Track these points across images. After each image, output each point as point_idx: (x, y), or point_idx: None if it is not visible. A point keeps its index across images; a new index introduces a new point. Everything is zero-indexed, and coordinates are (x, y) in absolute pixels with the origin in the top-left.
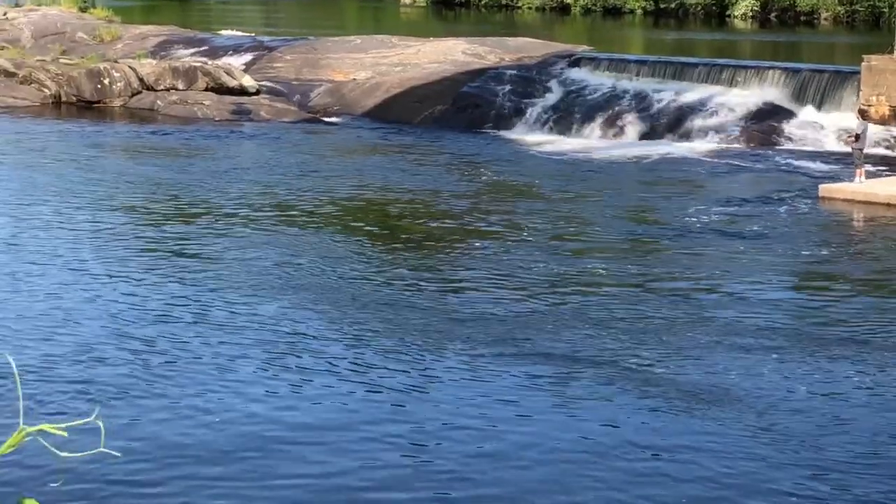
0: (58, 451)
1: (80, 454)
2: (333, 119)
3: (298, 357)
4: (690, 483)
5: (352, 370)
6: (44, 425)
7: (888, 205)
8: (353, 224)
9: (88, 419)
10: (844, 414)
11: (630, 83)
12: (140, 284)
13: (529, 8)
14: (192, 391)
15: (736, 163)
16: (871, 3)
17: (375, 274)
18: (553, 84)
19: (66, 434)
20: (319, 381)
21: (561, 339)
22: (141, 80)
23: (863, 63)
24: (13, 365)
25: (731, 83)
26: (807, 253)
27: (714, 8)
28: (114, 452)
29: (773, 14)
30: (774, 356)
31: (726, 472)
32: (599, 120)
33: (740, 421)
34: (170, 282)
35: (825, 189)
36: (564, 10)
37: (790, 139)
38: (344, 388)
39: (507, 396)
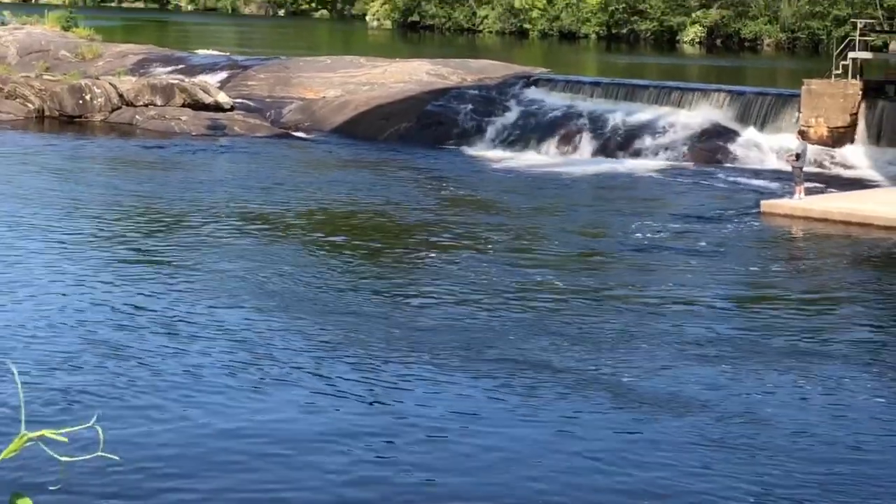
0: (58, 456)
1: (79, 458)
2: (304, 135)
3: (266, 364)
4: (635, 476)
5: (316, 377)
6: (45, 431)
7: (825, 220)
8: (321, 235)
9: (88, 424)
10: (783, 416)
11: (584, 103)
12: (116, 292)
13: (490, 32)
14: (160, 397)
15: (683, 180)
16: (811, 30)
17: (342, 283)
18: (512, 103)
19: (66, 440)
20: (284, 388)
21: (518, 348)
22: (121, 96)
23: (803, 87)
24: (15, 373)
25: (680, 104)
26: (749, 265)
27: (664, 34)
28: (112, 456)
29: (719, 40)
30: (718, 362)
31: (672, 465)
32: (555, 137)
33: (684, 420)
34: (145, 290)
35: (767, 205)
36: (523, 34)
37: (734, 158)
38: (308, 395)
39: (464, 401)
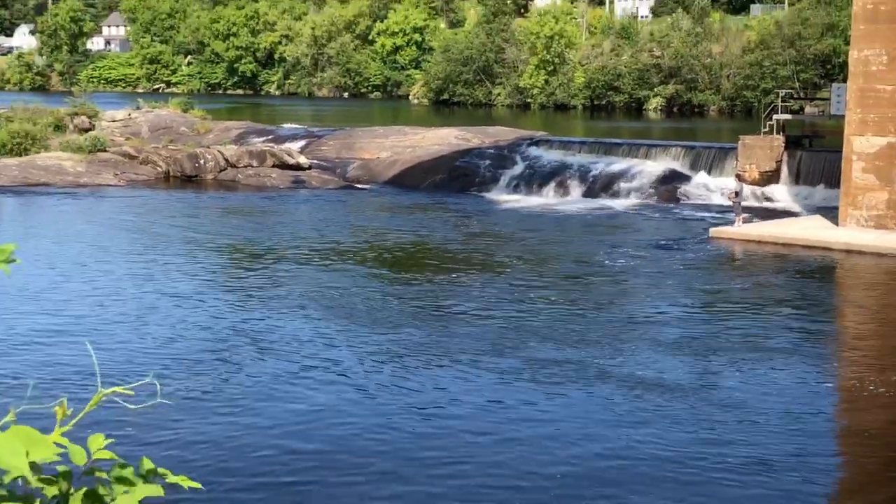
0: (127, 405)
1: (141, 406)
2: (364, 186)
3: (330, 361)
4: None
5: (370, 371)
6: (115, 388)
7: (759, 242)
8: (375, 261)
9: (147, 380)
10: (734, 394)
11: (574, 158)
12: (221, 305)
13: (502, 105)
14: (254, 393)
15: (650, 214)
16: (745, 99)
17: (391, 298)
18: (519, 159)
19: (132, 393)
20: (345, 380)
21: (530, 348)
22: (226, 159)
23: (739, 141)
24: (90, 348)
25: (646, 157)
26: (703, 279)
27: (633, 104)
28: (167, 402)
29: (675, 108)
30: (685, 356)
31: (651, 428)
32: (552, 184)
33: (661, 397)
34: (244, 304)
35: (714, 231)
36: (526, 106)
37: (688, 196)
38: (364, 385)
39: (489, 389)
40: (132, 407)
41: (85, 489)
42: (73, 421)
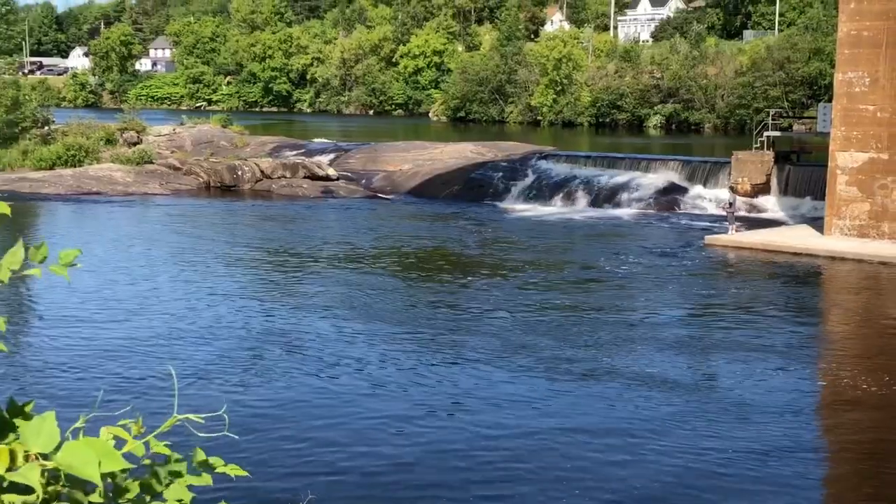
0: (197, 432)
1: (211, 435)
2: (387, 196)
3: (353, 357)
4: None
5: (390, 365)
6: (189, 415)
7: (751, 248)
8: (397, 264)
9: (219, 412)
10: (730, 388)
11: (580, 170)
12: (255, 305)
13: (514, 122)
14: (291, 383)
15: (650, 222)
16: (739, 117)
17: (411, 299)
18: (529, 171)
19: (202, 421)
20: (367, 373)
21: (539, 346)
22: (262, 171)
23: (733, 156)
24: (174, 373)
25: (647, 170)
26: (699, 283)
27: (635, 121)
28: (234, 436)
29: (673, 125)
30: (683, 353)
31: (654, 418)
32: (560, 194)
33: (661, 391)
34: (278, 303)
35: (709, 239)
36: (536, 123)
37: (685, 206)
38: (384, 378)
39: (501, 383)
40: (201, 435)
41: (140, 479)
42: (145, 439)
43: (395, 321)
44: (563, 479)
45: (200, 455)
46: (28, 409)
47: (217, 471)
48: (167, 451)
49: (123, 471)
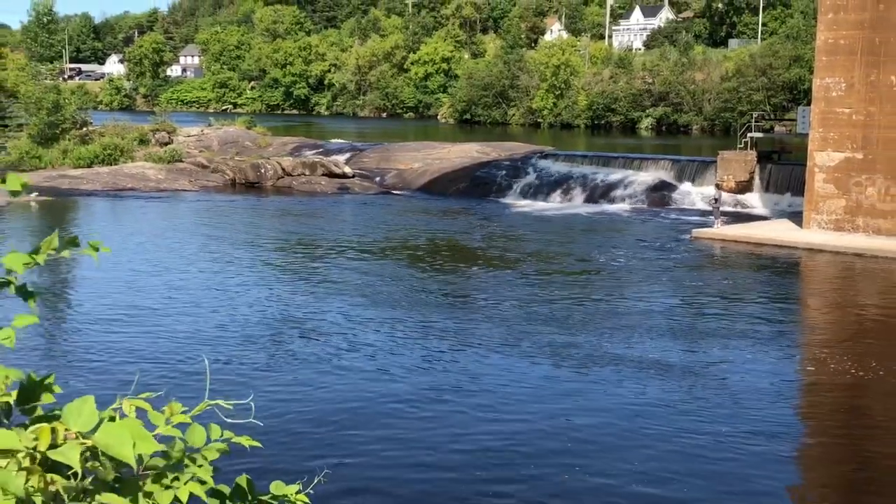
0: (224, 418)
1: (239, 420)
2: (399, 192)
3: (368, 341)
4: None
5: (400, 348)
6: (218, 401)
7: (735, 241)
8: (408, 255)
9: (247, 400)
10: (717, 370)
11: (577, 168)
12: (280, 292)
13: (516, 124)
14: (310, 366)
15: (642, 217)
16: (724, 119)
17: (421, 287)
18: (530, 170)
19: (230, 407)
20: (379, 356)
21: (540, 332)
22: (283, 169)
23: (718, 156)
24: (206, 362)
25: (639, 168)
26: (688, 273)
27: (628, 123)
28: (258, 422)
29: (664, 127)
30: (674, 339)
31: (648, 398)
32: (558, 191)
33: (654, 373)
34: (298, 290)
35: (696, 232)
36: (537, 125)
37: (674, 202)
38: (393, 361)
39: (503, 367)
40: (228, 420)
41: (163, 447)
42: (176, 421)
43: (407, 308)
44: (560, 453)
45: (215, 428)
46: (49, 381)
47: (232, 441)
48: (188, 420)
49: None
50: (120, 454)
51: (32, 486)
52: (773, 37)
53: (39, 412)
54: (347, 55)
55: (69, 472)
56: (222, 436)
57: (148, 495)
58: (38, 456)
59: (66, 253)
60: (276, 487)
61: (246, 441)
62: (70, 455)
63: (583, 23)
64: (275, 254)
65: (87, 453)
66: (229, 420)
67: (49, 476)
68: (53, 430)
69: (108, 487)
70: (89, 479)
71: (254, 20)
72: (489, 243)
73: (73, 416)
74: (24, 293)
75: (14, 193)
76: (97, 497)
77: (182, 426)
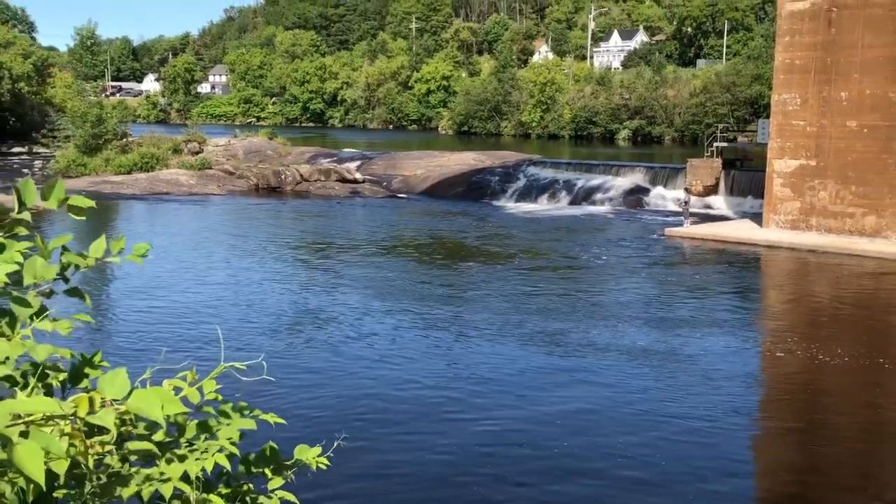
0: (241, 377)
1: (253, 378)
2: (404, 195)
3: (375, 330)
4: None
5: (403, 336)
6: (234, 363)
7: (702, 239)
8: (412, 252)
9: (258, 360)
10: (689, 355)
11: (562, 174)
12: (297, 285)
13: (508, 135)
14: (324, 354)
15: (620, 218)
16: (693, 130)
17: (423, 281)
18: (520, 175)
19: (245, 367)
20: (384, 342)
21: (531, 322)
22: (301, 175)
23: (687, 163)
24: (220, 333)
25: (617, 174)
26: (660, 267)
27: (607, 134)
28: (271, 378)
29: (639, 137)
30: (650, 328)
31: (622, 382)
32: (546, 194)
33: (631, 356)
34: (313, 283)
35: (668, 231)
36: (526, 136)
37: (648, 205)
38: (397, 348)
39: (499, 353)
40: (245, 379)
41: (198, 421)
42: (199, 384)
43: (410, 299)
44: (546, 428)
45: (243, 404)
46: (96, 359)
47: (260, 418)
48: (219, 397)
49: (184, 414)
50: (150, 415)
51: (74, 448)
52: (736, 57)
53: (87, 384)
54: (358, 74)
55: (108, 436)
56: (250, 410)
57: (182, 459)
58: (79, 422)
59: (115, 259)
60: (300, 451)
61: (271, 418)
62: (106, 419)
63: (567, 45)
64: (293, 250)
65: (121, 417)
66: (246, 378)
67: (88, 440)
68: (91, 399)
69: (140, 442)
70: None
71: (275, 43)
72: (484, 241)
73: (107, 385)
74: (76, 293)
75: (77, 212)
76: (130, 446)
77: (214, 403)
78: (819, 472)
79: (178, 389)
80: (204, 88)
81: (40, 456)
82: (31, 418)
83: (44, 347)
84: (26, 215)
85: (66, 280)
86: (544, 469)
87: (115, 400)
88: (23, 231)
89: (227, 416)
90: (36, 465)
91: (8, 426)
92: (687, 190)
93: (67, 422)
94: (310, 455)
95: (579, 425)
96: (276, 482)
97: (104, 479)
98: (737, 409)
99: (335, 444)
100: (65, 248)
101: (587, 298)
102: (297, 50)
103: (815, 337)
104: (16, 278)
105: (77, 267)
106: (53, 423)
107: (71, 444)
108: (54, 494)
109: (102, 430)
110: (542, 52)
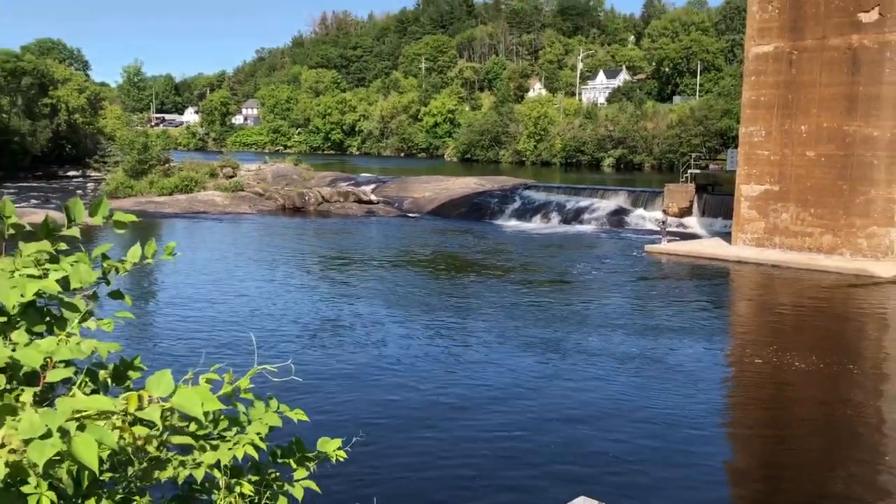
0: (272, 378)
1: (283, 378)
2: (413, 215)
3: (383, 336)
4: (584, 396)
5: (409, 341)
6: (266, 366)
7: (678, 255)
8: (419, 266)
9: (286, 363)
10: (668, 358)
11: (554, 197)
12: (319, 296)
13: (506, 162)
14: (337, 354)
15: (604, 236)
16: (669, 159)
17: (428, 292)
18: (517, 197)
19: (275, 370)
20: (390, 346)
21: (528, 330)
22: (323, 197)
23: (665, 187)
24: (253, 339)
25: (602, 196)
26: (640, 281)
27: (593, 162)
28: (298, 379)
29: (622, 164)
30: (632, 335)
31: (609, 381)
32: (539, 214)
33: (615, 359)
34: (333, 294)
35: (648, 248)
36: (522, 163)
37: (630, 224)
38: (403, 351)
39: (498, 357)
40: (275, 380)
41: (230, 417)
42: (235, 385)
43: (418, 308)
44: (540, 424)
45: (273, 401)
46: (136, 362)
47: (286, 415)
48: (251, 396)
49: (219, 410)
50: (192, 412)
51: (124, 440)
52: (708, 94)
53: (129, 384)
54: (374, 108)
55: (154, 429)
56: (278, 409)
57: (215, 448)
58: (129, 417)
59: (149, 259)
60: (322, 444)
61: (297, 415)
62: (153, 414)
63: (558, 83)
64: (316, 264)
65: (167, 413)
66: (276, 379)
67: (137, 430)
68: (139, 397)
69: (183, 436)
70: (168, 434)
71: (301, 80)
72: (485, 256)
73: (154, 384)
74: (117, 295)
75: (118, 225)
76: (173, 440)
77: (245, 402)
78: (781, 467)
79: (214, 383)
80: (237, 120)
81: (95, 447)
82: (86, 413)
83: (90, 343)
84: (75, 230)
85: (108, 283)
86: (544, 461)
87: (160, 398)
88: (64, 246)
89: (256, 412)
90: (91, 454)
91: (68, 420)
92: (664, 211)
93: (119, 416)
94: (330, 447)
95: (568, 420)
96: (301, 473)
97: (145, 464)
98: (707, 407)
99: (353, 440)
100: (104, 256)
101: (575, 309)
102: (320, 86)
103: (779, 342)
104: (65, 283)
105: (116, 271)
106: (105, 417)
107: (121, 437)
108: (101, 477)
109: (145, 423)
110: (536, 89)
